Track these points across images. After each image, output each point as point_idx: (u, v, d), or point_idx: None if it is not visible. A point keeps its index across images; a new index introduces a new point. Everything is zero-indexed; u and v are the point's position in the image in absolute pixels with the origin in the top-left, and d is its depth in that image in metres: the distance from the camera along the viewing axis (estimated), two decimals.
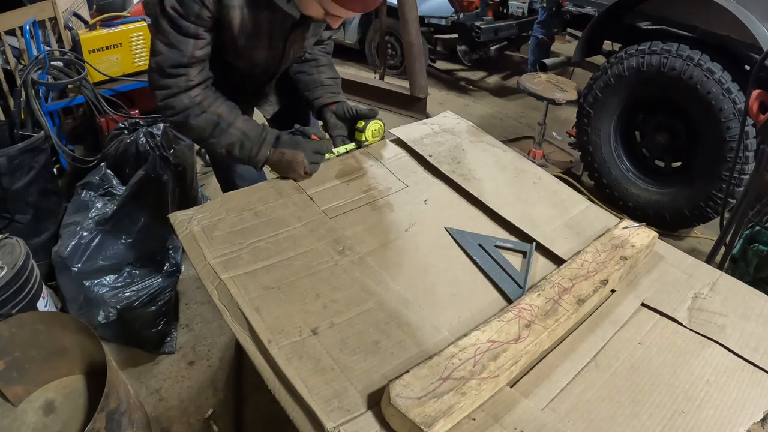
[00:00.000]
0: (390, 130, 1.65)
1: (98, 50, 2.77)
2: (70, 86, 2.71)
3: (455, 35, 4.69)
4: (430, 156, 1.50)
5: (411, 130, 1.64)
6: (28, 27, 2.60)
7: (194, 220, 1.22)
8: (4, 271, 1.69)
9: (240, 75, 1.56)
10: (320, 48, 1.71)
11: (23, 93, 2.44)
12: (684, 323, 1.03)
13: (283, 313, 1.00)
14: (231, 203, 1.29)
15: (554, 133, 3.91)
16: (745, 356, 0.96)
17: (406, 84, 4.12)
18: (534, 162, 3.34)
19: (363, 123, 1.55)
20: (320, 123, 1.68)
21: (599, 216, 1.34)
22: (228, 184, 1.73)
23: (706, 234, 2.92)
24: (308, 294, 1.05)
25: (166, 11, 1.24)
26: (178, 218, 1.24)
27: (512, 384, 0.90)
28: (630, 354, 0.96)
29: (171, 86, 1.31)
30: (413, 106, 4.13)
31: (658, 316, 1.05)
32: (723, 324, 1.02)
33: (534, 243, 1.22)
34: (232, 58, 1.47)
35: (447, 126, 1.69)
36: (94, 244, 2.05)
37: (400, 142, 1.60)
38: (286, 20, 1.36)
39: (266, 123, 1.61)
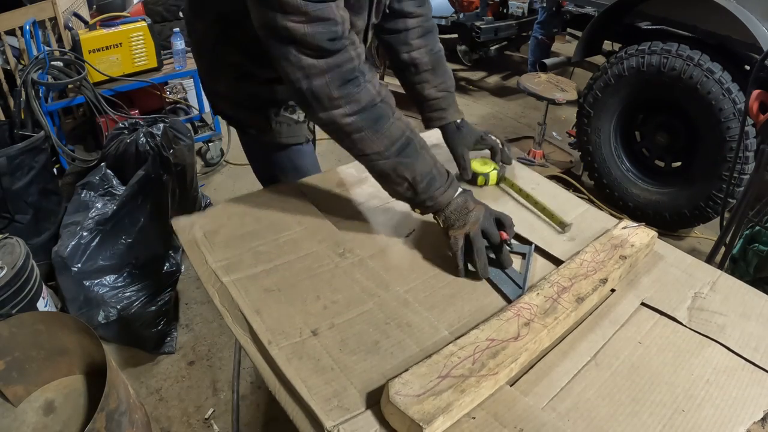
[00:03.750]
0: None
1: (98, 50, 2.77)
2: (70, 86, 2.72)
3: (455, 35, 4.69)
4: None
5: None
6: (28, 27, 2.60)
7: (196, 226, 1.23)
8: (4, 271, 1.69)
9: None
10: (414, 27, 1.35)
11: (23, 93, 2.44)
12: (684, 323, 1.02)
13: (283, 314, 1.00)
14: (232, 209, 1.30)
15: (554, 133, 3.91)
16: (745, 356, 0.96)
17: None
18: (534, 162, 3.37)
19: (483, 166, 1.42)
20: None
21: (598, 218, 1.34)
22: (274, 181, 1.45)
23: (706, 234, 2.92)
24: (309, 296, 1.05)
25: None
26: (180, 224, 1.25)
27: (512, 383, 0.90)
28: (630, 353, 0.96)
29: (341, 65, 0.94)
30: (413, 106, 4.12)
31: (658, 315, 1.05)
32: (723, 323, 1.02)
33: (533, 245, 1.22)
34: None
35: None
36: (94, 244, 2.05)
37: None
38: None
39: None
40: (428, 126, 1.44)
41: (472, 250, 1.05)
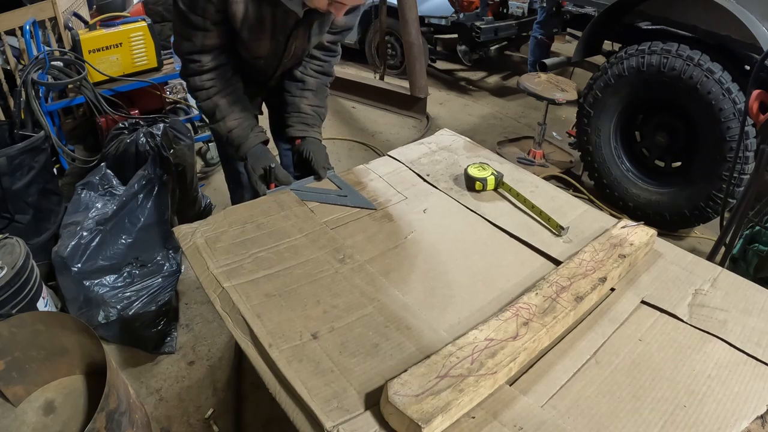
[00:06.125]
0: (387, 153, 1.66)
1: (98, 50, 2.77)
2: (70, 86, 2.71)
3: (455, 35, 4.70)
4: (428, 175, 1.53)
5: (409, 151, 1.66)
6: (28, 27, 2.60)
7: (198, 233, 1.25)
8: (4, 271, 1.69)
9: (247, 66, 1.63)
10: (315, 65, 1.70)
11: (23, 93, 2.44)
12: (685, 319, 1.02)
13: (284, 318, 1.01)
14: (234, 216, 1.32)
15: (554, 133, 3.91)
16: (747, 351, 0.95)
17: (406, 84, 4.13)
18: (534, 162, 3.37)
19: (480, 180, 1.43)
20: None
21: (597, 218, 1.34)
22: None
23: (706, 234, 2.92)
24: (309, 300, 1.06)
25: (177, 6, 1.39)
26: (182, 231, 1.26)
27: (511, 382, 0.90)
28: (630, 350, 0.96)
29: (187, 68, 1.51)
30: (413, 106, 4.13)
31: (659, 312, 1.05)
32: (724, 319, 1.02)
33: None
34: (239, 48, 1.56)
35: (444, 144, 1.71)
36: (94, 244, 2.05)
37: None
38: (289, 17, 1.42)
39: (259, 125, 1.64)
40: (290, 132, 1.67)
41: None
